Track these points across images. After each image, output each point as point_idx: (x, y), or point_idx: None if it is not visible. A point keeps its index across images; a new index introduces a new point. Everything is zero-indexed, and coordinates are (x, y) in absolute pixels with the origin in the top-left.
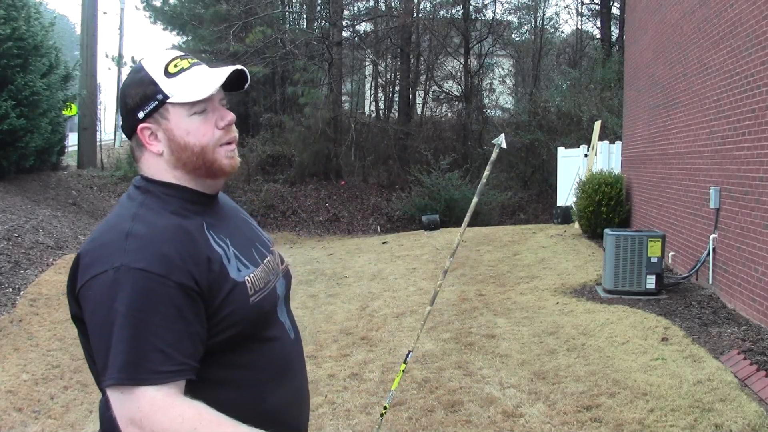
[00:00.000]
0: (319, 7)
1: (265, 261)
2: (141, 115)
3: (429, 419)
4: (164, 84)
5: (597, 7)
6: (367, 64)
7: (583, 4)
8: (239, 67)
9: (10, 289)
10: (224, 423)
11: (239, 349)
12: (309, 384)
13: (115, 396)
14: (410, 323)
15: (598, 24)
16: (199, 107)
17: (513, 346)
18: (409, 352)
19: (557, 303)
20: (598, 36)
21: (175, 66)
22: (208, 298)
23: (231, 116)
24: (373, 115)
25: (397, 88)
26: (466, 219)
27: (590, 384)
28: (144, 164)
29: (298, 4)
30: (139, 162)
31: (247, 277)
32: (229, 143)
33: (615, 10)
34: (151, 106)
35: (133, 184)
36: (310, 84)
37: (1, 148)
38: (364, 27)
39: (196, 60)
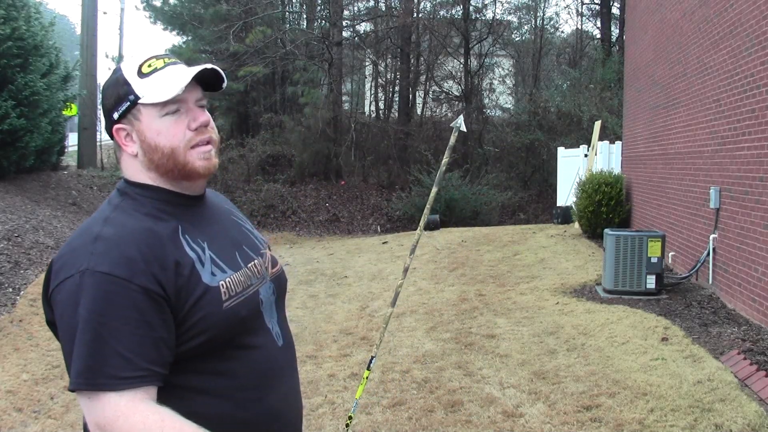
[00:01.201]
0: (319, 7)
1: (249, 265)
2: (116, 116)
3: (429, 419)
4: (136, 84)
5: (597, 7)
6: (367, 64)
7: (583, 4)
8: (208, 66)
9: (10, 289)
10: (187, 429)
11: (216, 355)
12: (309, 384)
13: (83, 401)
14: (410, 323)
15: (598, 24)
16: (171, 108)
17: (513, 346)
18: (372, 357)
19: (557, 303)
20: (598, 36)
21: (149, 66)
22: (176, 303)
23: (204, 117)
24: (373, 115)
25: (397, 88)
26: (426, 211)
27: (590, 384)
28: (123, 166)
29: (298, 4)
30: (120, 164)
31: (222, 282)
32: (204, 144)
33: (615, 10)
34: (124, 107)
35: (116, 187)
36: (310, 84)
37: (1, 148)
38: (364, 27)
39: (173, 60)
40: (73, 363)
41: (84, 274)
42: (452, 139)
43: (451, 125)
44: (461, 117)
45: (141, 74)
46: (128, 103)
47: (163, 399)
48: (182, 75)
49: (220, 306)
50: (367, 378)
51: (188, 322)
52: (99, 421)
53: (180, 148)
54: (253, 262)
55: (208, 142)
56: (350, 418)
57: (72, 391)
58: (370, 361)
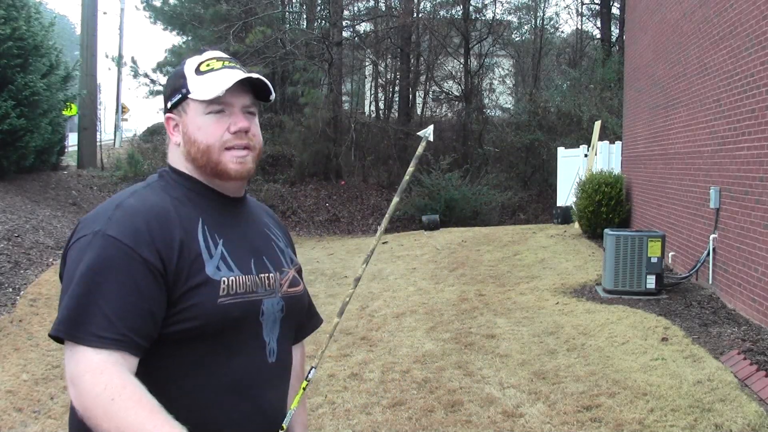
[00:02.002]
0: (319, 7)
1: (263, 275)
2: (169, 105)
3: (429, 419)
4: (191, 80)
5: (597, 7)
6: (367, 64)
7: (583, 4)
8: (254, 75)
9: (10, 289)
10: (144, 403)
11: (200, 347)
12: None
13: (66, 352)
14: (410, 323)
15: (598, 24)
16: (215, 107)
17: (513, 346)
18: (312, 368)
19: (557, 303)
20: (598, 36)
21: (207, 65)
22: (173, 282)
23: (243, 123)
24: (373, 115)
25: (397, 88)
26: (384, 221)
27: (590, 384)
28: (168, 152)
29: (298, 4)
30: (168, 150)
31: (224, 279)
32: (240, 149)
33: (615, 10)
34: (176, 99)
35: (158, 171)
36: (310, 84)
37: (1, 148)
38: (364, 27)
39: (232, 63)
40: (59, 311)
41: (96, 235)
42: (420, 149)
43: (419, 134)
44: (431, 127)
45: (198, 71)
46: (180, 95)
47: (140, 376)
48: (228, 78)
49: (214, 300)
50: (304, 389)
51: (180, 305)
52: (71, 372)
53: (215, 147)
54: (267, 274)
55: (245, 147)
56: (282, 429)
57: (51, 336)
58: (309, 372)
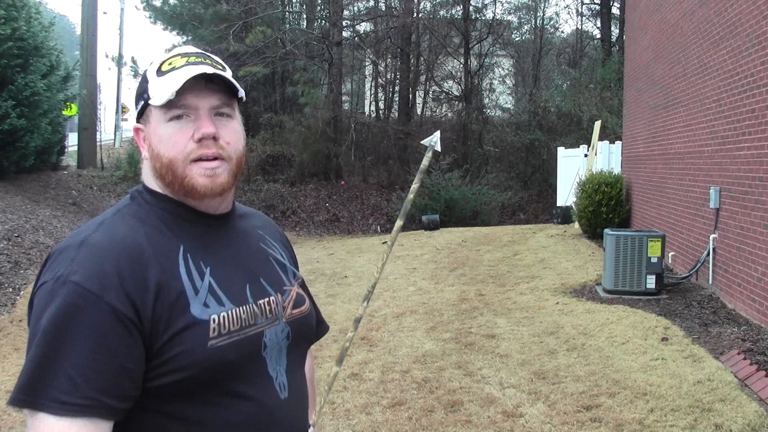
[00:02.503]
0: (319, 7)
1: (261, 301)
2: (136, 114)
3: (429, 419)
4: (152, 83)
5: (597, 7)
6: (367, 64)
7: (583, 4)
8: (209, 71)
9: (10, 289)
10: None
11: (196, 400)
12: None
13: (27, 421)
14: (410, 323)
15: (598, 24)
16: (174, 112)
17: (513, 346)
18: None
19: (557, 303)
20: (598, 36)
21: (169, 64)
22: (151, 330)
23: (207, 129)
24: (373, 115)
25: (397, 88)
26: (390, 247)
27: (590, 384)
28: (142, 168)
29: (298, 4)
30: (141, 166)
31: (214, 316)
32: (208, 159)
33: (615, 10)
34: (140, 106)
35: (133, 189)
36: (310, 84)
37: (2, 148)
38: (364, 27)
39: (198, 59)
40: (19, 375)
41: (58, 281)
42: (425, 161)
43: (423, 142)
44: (438, 133)
45: (159, 72)
46: (143, 102)
47: None
48: (183, 76)
49: (204, 344)
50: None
51: (164, 356)
52: None
53: (179, 160)
54: (267, 299)
55: (215, 158)
56: None
57: (10, 405)
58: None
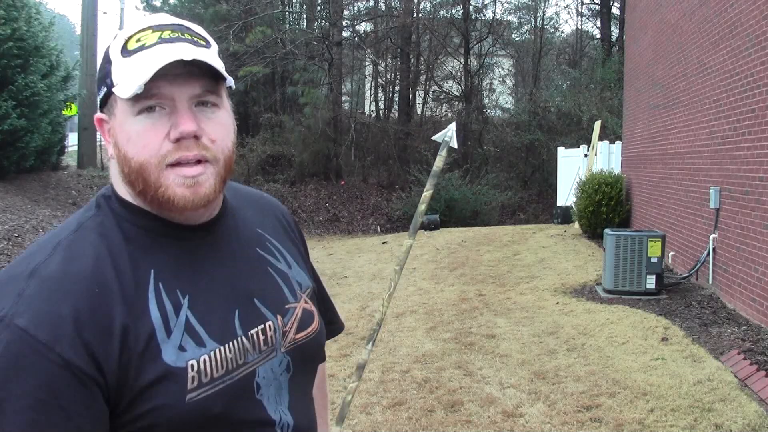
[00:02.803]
0: (319, 7)
1: (253, 331)
2: (98, 100)
3: (429, 419)
4: (116, 66)
5: (597, 7)
6: (367, 64)
7: (583, 4)
8: (189, 56)
9: None
10: None
11: None
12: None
13: None
14: (410, 323)
15: (598, 24)
16: (145, 104)
17: (513, 346)
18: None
19: (557, 303)
20: (598, 36)
21: (137, 41)
22: (117, 384)
23: (186, 126)
24: (373, 115)
25: (397, 88)
26: (401, 265)
27: (590, 384)
28: (110, 167)
29: (298, 4)
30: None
31: (192, 362)
32: (189, 164)
33: (615, 10)
34: (102, 93)
35: (99, 193)
36: (310, 84)
37: (2, 148)
38: (364, 27)
39: (174, 33)
40: None
41: (1, 323)
42: (439, 161)
43: (435, 138)
44: (453, 127)
45: (125, 51)
46: (105, 88)
47: None
48: (156, 61)
49: (180, 398)
50: None
51: (134, 411)
52: None
53: (151, 164)
54: (261, 326)
55: (198, 162)
56: None
57: None
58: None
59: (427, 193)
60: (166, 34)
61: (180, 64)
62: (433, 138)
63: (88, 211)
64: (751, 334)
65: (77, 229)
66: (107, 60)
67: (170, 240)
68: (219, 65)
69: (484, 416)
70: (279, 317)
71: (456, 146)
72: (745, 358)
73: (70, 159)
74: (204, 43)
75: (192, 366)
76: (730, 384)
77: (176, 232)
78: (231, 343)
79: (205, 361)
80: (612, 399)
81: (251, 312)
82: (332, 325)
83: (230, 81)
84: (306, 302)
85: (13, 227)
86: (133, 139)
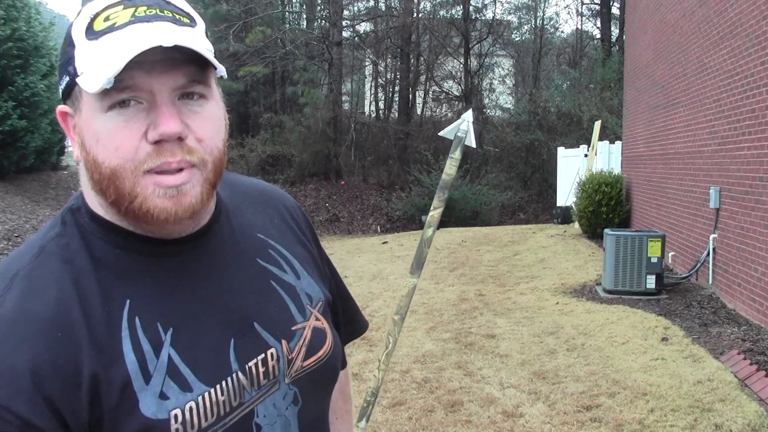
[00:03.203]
0: (319, 7)
1: (251, 364)
2: (60, 90)
3: (429, 419)
4: (81, 50)
5: (597, 7)
6: (367, 64)
7: (583, 4)
8: (170, 42)
9: None
10: None
11: None
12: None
13: None
14: (410, 323)
15: (598, 24)
16: (117, 97)
17: (513, 346)
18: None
19: (557, 303)
20: (598, 36)
21: (106, 19)
22: None
23: (168, 126)
24: (373, 115)
25: (397, 88)
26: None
27: (590, 384)
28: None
29: (298, 4)
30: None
31: (176, 412)
32: (170, 172)
33: (615, 10)
34: (64, 82)
35: (66, 204)
36: (310, 84)
37: (2, 148)
38: (364, 27)
39: (148, 10)
40: None
41: None
42: (451, 167)
43: (444, 133)
44: (469, 116)
45: (90, 31)
46: (68, 77)
47: None
48: (131, 48)
49: None
50: None
51: None
52: None
53: (126, 171)
54: (262, 356)
55: (180, 169)
56: None
57: None
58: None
59: (435, 213)
60: (141, 10)
61: (159, 49)
62: (441, 134)
63: (51, 230)
64: (751, 334)
65: (39, 254)
66: (69, 42)
67: (149, 260)
68: (207, 49)
69: (484, 416)
70: (284, 343)
71: (474, 144)
72: (745, 358)
73: (70, 159)
74: (188, 21)
75: (176, 417)
76: (730, 384)
77: (156, 248)
78: (224, 383)
79: (191, 409)
80: (612, 399)
81: (250, 340)
82: (353, 324)
83: (221, 70)
84: (317, 319)
85: (13, 227)
86: (103, 140)
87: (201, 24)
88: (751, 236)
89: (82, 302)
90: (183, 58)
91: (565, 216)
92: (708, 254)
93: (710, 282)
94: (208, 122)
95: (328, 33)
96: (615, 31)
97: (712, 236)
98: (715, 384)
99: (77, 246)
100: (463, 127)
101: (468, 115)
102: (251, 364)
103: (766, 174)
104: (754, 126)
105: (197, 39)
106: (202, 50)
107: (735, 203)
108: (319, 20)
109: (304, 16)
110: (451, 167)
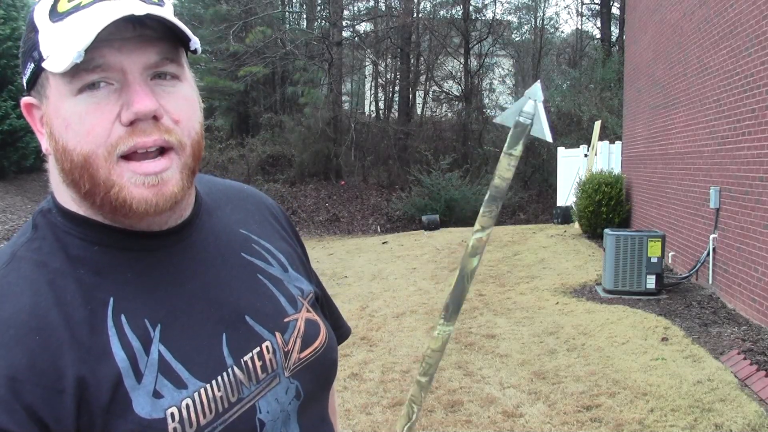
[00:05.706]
0: (319, 7)
1: (247, 357)
2: (24, 81)
3: (429, 419)
4: (45, 34)
5: (597, 7)
6: (367, 64)
7: (583, 4)
8: (141, 11)
9: None
10: None
11: None
12: None
13: None
14: (410, 323)
15: (598, 24)
16: (87, 79)
17: (513, 346)
18: None
19: (557, 303)
20: (598, 36)
21: (70, 0)
22: None
23: (142, 104)
24: (373, 115)
25: (397, 88)
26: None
27: (590, 384)
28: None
29: (298, 4)
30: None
31: (172, 410)
32: (145, 156)
33: (615, 10)
34: (29, 71)
35: (38, 206)
36: (310, 84)
37: (2, 148)
38: (364, 27)
39: None
40: None
41: None
42: (506, 167)
43: (500, 120)
44: (538, 90)
45: (54, 13)
46: (32, 64)
47: None
48: (97, 22)
49: None
50: None
51: None
52: None
53: (98, 158)
54: (257, 350)
55: (161, 153)
56: None
57: None
58: None
59: (483, 235)
60: None
61: (129, 26)
62: (497, 120)
63: (22, 236)
64: (751, 334)
65: (10, 261)
66: (32, 28)
67: (131, 254)
68: (179, 23)
69: (484, 416)
70: (278, 335)
71: (547, 136)
72: (745, 358)
73: None
74: (156, 0)
75: (172, 415)
76: (730, 384)
77: (136, 242)
78: (219, 379)
79: (188, 406)
80: (612, 399)
81: (243, 333)
82: (337, 330)
83: (195, 42)
84: (308, 311)
85: (13, 227)
86: (73, 126)
87: (169, 5)
88: (751, 236)
89: (59, 304)
90: (154, 35)
91: (565, 216)
92: (708, 254)
93: (710, 282)
94: (184, 102)
95: (328, 33)
96: (615, 31)
97: (712, 236)
98: (715, 384)
99: (50, 247)
100: (528, 109)
101: (535, 91)
102: (246, 358)
103: (766, 174)
104: (754, 126)
105: (168, 14)
106: (175, 21)
107: (735, 203)
108: (319, 20)
109: (304, 16)
110: (506, 169)
